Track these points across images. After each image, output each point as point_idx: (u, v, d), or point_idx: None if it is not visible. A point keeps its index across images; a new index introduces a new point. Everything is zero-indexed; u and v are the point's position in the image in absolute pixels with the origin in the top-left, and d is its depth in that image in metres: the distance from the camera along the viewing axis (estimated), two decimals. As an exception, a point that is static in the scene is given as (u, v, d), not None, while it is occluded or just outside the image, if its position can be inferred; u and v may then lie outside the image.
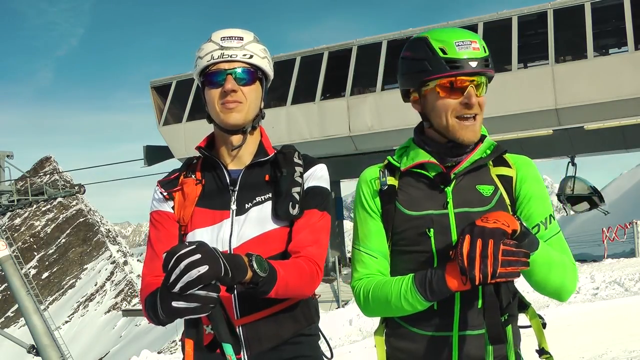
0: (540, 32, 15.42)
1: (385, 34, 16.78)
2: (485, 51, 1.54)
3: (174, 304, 1.23)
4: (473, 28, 15.66)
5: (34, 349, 16.66)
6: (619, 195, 45.92)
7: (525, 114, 15.06)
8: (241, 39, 1.64)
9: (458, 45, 1.52)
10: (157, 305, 1.30)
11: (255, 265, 1.36)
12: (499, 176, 1.60)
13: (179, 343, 1.80)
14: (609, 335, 6.67)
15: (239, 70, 1.62)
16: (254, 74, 1.65)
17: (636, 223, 14.96)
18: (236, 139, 1.69)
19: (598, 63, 14.82)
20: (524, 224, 1.39)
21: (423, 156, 1.62)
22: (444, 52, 1.52)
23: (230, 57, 1.61)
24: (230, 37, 1.63)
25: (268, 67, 1.70)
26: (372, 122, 16.31)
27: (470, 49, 1.52)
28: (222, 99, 1.62)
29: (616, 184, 50.83)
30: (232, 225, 1.64)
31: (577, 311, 8.32)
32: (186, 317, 1.28)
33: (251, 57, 1.64)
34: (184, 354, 1.67)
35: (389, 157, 1.70)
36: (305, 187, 1.68)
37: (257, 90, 1.68)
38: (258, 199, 1.66)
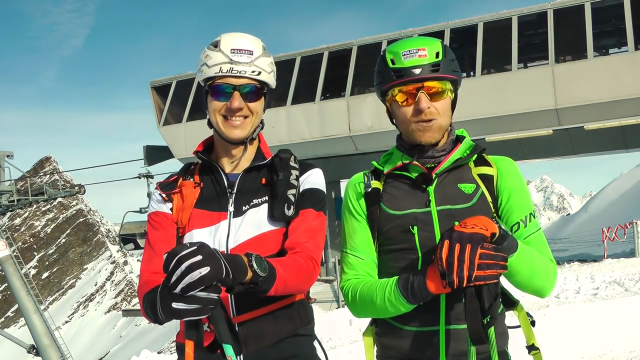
0: (540, 32, 15.42)
1: (385, 34, 16.79)
2: (437, 57, 1.59)
3: (174, 305, 1.23)
4: (473, 28, 15.69)
5: (34, 349, 16.67)
6: (619, 195, 45.90)
7: (525, 114, 15.06)
8: (251, 53, 1.63)
9: (404, 54, 1.60)
10: (156, 305, 1.30)
11: (255, 265, 1.36)
12: (480, 175, 1.66)
13: (176, 344, 1.81)
14: (609, 335, 6.67)
15: (246, 87, 1.63)
16: (260, 90, 1.67)
17: (636, 223, 14.94)
18: (237, 151, 1.73)
19: (598, 63, 14.82)
20: (503, 227, 1.44)
21: (405, 159, 1.68)
22: (393, 63, 1.62)
23: (239, 72, 1.61)
24: (240, 51, 1.62)
25: (273, 80, 1.72)
26: (372, 122, 16.30)
27: (416, 56, 1.59)
28: (226, 113, 1.65)
29: (616, 184, 50.77)
30: (229, 226, 1.66)
31: (577, 311, 8.31)
32: (186, 319, 1.28)
33: (259, 73, 1.64)
34: (179, 355, 1.67)
35: (374, 162, 1.78)
36: (301, 190, 1.71)
37: (261, 104, 1.71)
38: (255, 201, 1.69)
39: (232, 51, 1.62)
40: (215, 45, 1.65)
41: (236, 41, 1.64)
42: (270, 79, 1.69)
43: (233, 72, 1.61)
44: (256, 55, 1.64)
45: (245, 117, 1.66)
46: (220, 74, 1.61)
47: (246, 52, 1.63)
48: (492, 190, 1.65)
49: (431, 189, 1.64)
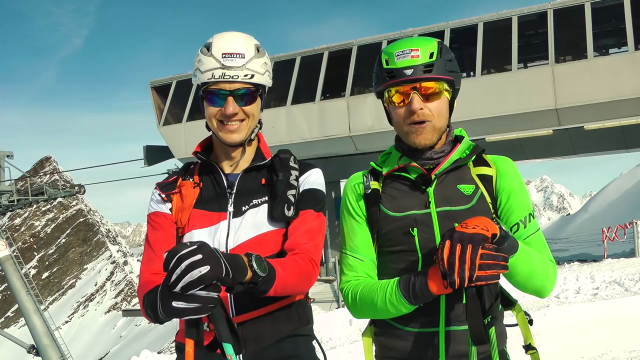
0: (540, 32, 15.43)
1: (385, 34, 16.80)
2: (431, 57, 1.57)
3: (175, 304, 1.23)
4: (473, 28, 15.69)
5: (34, 349, 16.68)
6: (619, 195, 45.89)
7: (525, 114, 15.07)
8: (243, 56, 1.61)
9: (397, 55, 1.59)
10: (157, 304, 1.29)
11: (255, 265, 1.36)
12: (479, 176, 1.65)
13: (176, 343, 1.83)
14: (609, 335, 6.67)
15: (240, 91, 1.62)
16: (254, 93, 1.66)
17: (636, 223, 14.94)
18: (236, 153, 1.73)
19: (598, 63, 14.83)
20: (503, 228, 1.43)
21: (403, 160, 1.67)
22: (387, 63, 1.61)
23: (232, 77, 1.60)
24: (231, 55, 1.60)
25: (268, 80, 1.71)
26: (372, 122, 16.31)
27: (408, 57, 1.57)
28: (222, 118, 1.64)
29: (616, 184, 50.77)
30: (228, 227, 1.66)
31: (577, 311, 8.32)
32: (186, 318, 1.28)
33: (252, 76, 1.63)
34: (179, 354, 1.67)
35: (372, 163, 1.76)
36: (300, 190, 1.71)
37: (257, 106, 1.70)
38: (255, 201, 1.69)
39: (224, 56, 1.60)
40: (208, 48, 1.64)
41: (227, 44, 1.62)
42: (264, 79, 1.68)
43: (225, 77, 1.60)
44: (248, 57, 1.62)
45: (242, 120, 1.66)
46: (213, 80, 1.60)
47: (238, 55, 1.61)
48: (492, 191, 1.64)
49: (431, 190, 1.62)
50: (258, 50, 1.67)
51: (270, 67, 1.73)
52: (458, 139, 1.71)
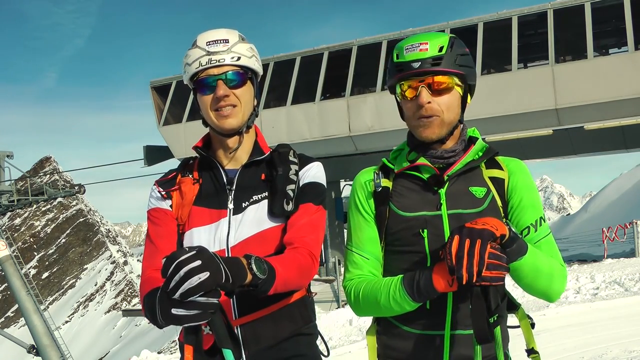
0: (540, 32, 15.43)
1: (385, 34, 16.78)
2: (440, 50, 1.55)
3: (174, 311, 1.21)
4: (473, 28, 15.68)
5: (34, 349, 16.66)
6: (619, 195, 45.95)
7: (525, 114, 15.07)
8: (227, 41, 1.63)
9: (407, 49, 1.57)
10: (156, 311, 1.28)
11: (254, 268, 1.35)
12: (491, 178, 1.63)
13: (179, 343, 1.81)
14: (609, 335, 6.67)
15: (228, 74, 1.63)
16: (243, 75, 1.66)
17: (636, 223, 14.95)
18: (232, 141, 1.71)
19: (598, 63, 14.83)
20: (513, 229, 1.42)
21: (412, 155, 1.64)
22: (397, 57, 1.60)
23: (219, 61, 1.61)
24: (215, 41, 1.63)
25: (257, 66, 1.71)
26: (372, 122, 16.31)
27: (417, 50, 1.55)
28: (216, 105, 1.63)
29: (616, 184, 50.84)
30: (229, 224, 1.65)
31: (577, 311, 8.32)
32: (186, 325, 1.27)
33: (239, 58, 1.64)
34: (182, 355, 1.67)
35: (384, 159, 1.73)
36: (300, 184, 1.69)
37: (249, 90, 1.69)
38: (255, 197, 1.67)
39: (208, 43, 1.62)
40: (193, 43, 1.66)
41: (211, 34, 1.65)
42: (252, 63, 1.68)
43: (212, 62, 1.60)
44: (232, 42, 1.64)
45: (234, 106, 1.64)
46: (200, 67, 1.61)
47: (222, 41, 1.63)
48: (503, 194, 1.61)
49: (442, 191, 1.59)
50: (243, 39, 1.68)
51: (257, 54, 1.73)
52: (472, 140, 1.68)
